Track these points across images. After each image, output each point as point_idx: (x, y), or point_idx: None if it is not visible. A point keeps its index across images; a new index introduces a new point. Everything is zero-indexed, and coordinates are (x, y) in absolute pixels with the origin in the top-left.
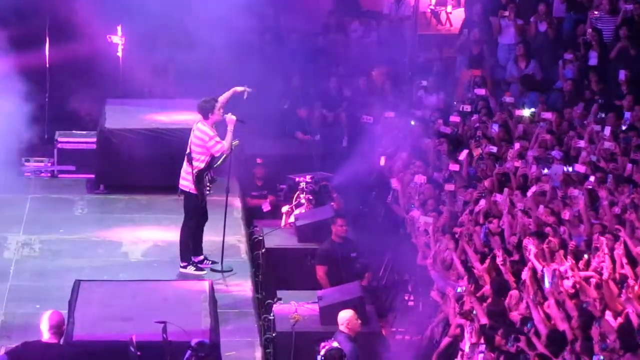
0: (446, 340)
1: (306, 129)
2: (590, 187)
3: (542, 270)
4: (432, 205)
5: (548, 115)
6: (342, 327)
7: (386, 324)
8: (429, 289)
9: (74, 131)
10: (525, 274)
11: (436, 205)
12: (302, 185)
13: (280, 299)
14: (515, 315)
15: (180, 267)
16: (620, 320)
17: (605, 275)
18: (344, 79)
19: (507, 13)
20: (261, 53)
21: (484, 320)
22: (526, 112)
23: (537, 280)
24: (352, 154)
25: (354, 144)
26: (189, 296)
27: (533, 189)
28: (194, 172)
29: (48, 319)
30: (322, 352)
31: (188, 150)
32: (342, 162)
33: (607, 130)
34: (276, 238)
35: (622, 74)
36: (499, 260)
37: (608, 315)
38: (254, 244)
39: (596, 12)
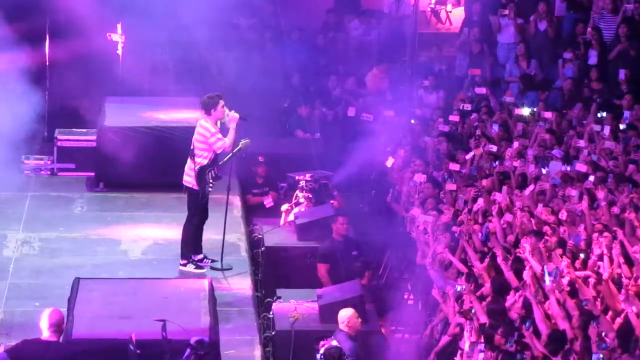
0: (445, 339)
1: (306, 127)
2: (588, 187)
3: (542, 269)
4: (432, 204)
5: (548, 114)
6: (342, 326)
7: (386, 323)
8: (428, 288)
9: (73, 129)
10: (527, 273)
11: (436, 204)
12: (302, 183)
13: (279, 298)
14: (514, 314)
15: (180, 265)
16: (620, 320)
17: (605, 275)
18: (344, 77)
19: (506, 12)
20: (261, 51)
21: (484, 319)
22: (525, 111)
23: (538, 278)
24: (352, 153)
25: (354, 142)
26: (188, 294)
27: (531, 187)
28: (196, 168)
29: (48, 317)
30: (322, 350)
31: (192, 147)
32: (342, 161)
33: (607, 130)
34: (276, 236)
35: (621, 73)
36: (499, 259)
37: (609, 315)
38: (254, 242)
39: (602, 10)
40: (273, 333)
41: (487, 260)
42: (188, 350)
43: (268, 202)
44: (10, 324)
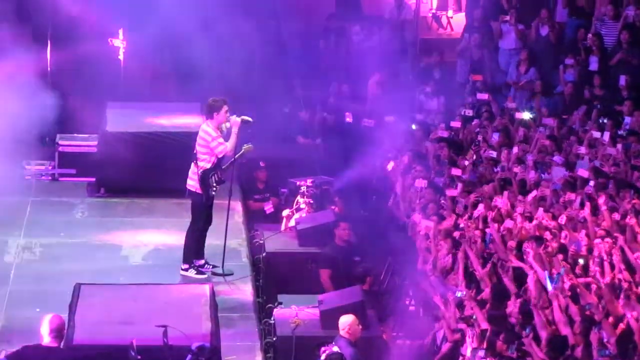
0: (447, 346)
1: (307, 132)
2: (589, 192)
3: (544, 274)
4: (433, 210)
5: (549, 121)
6: (342, 332)
7: (387, 328)
8: (429, 294)
9: (75, 134)
10: (530, 278)
11: (437, 209)
12: (303, 189)
13: (280, 303)
14: (513, 320)
15: (182, 269)
16: (622, 326)
17: (606, 280)
18: (345, 83)
19: (508, 18)
20: (263, 56)
21: (485, 325)
22: (526, 116)
23: (540, 284)
24: (353, 158)
25: (355, 148)
26: (189, 300)
27: (533, 193)
28: (199, 172)
29: (48, 323)
30: (323, 356)
31: (194, 151)
32: (344, 166)
33: (607, 136)
34: (277, 242)
35: (622, 79)
36: (498, 265)
37: (610, 320)
38: (255, 248)
39: (604, 16)
40: (274, 339)
41: (489, 265)
42: (189, 356)
43: (268, 208)
44: (11, 330)
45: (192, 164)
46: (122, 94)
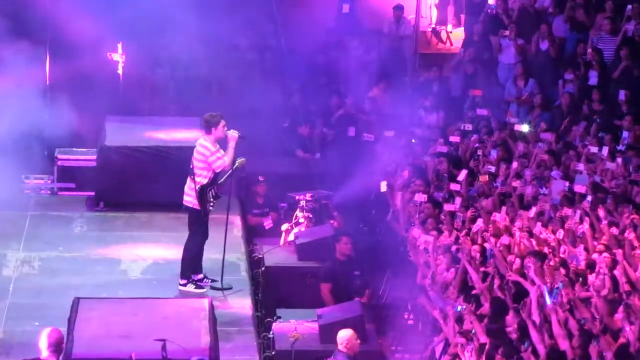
0: (446, 359)
1: (307, 147)
2: (587, 207)
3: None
4: (432, 224)
5: (547, 135)
6: (340, 347)
7: (386, 342)
8: (428, 308)
9: (74, 148)
10: (532, 293)
11: (436, 224)
12: (302, 203)
13: (279, 317)
14: (513, 334)
15: (180, 284)
16: (622, 340)
17: (604, 292)
18: (344, 97)
19: (507, 32)
20: (262, 71)
21: (484, 339)
22: (525, 128)
23: (539, 299)
24: (352, 172)
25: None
26: (188, 314)
27: (534, 209)
28: (197, 187)
29: (47, 337)
30: None
31: (191, 166)
32: (343, 180)
33: (605, 150)
34: (276, 256)
35: (622, 94)
36: (496, 281)
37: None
38: (254, 262)
39: (600, 32)
40: (273, 353)
41: (489, 279)
42: None
43: (267, 223)
44: (10, 344)
45: (189, 179)
46: (121, 108)
